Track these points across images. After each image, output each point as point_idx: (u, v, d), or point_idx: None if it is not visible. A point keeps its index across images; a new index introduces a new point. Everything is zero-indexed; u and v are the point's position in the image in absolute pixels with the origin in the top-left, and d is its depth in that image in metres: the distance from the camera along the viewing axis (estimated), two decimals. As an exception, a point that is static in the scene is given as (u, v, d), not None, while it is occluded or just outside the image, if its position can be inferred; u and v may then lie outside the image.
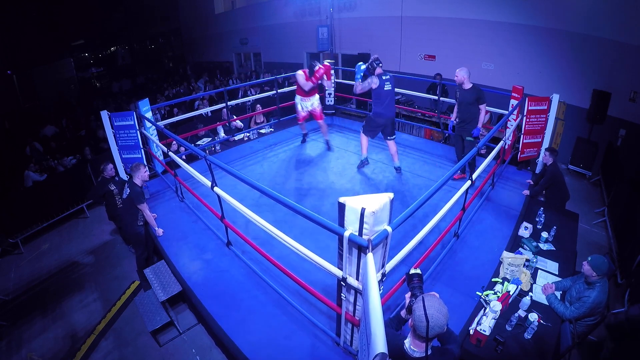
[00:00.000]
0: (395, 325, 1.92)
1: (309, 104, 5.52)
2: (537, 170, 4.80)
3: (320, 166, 5.29)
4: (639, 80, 5.47)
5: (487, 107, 5.76)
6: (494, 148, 4.09)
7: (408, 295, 1.82)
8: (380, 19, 9.16)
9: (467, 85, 4.36)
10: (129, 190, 3.69)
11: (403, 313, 1.89)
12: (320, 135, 6.11)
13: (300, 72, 5.30)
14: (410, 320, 1.63)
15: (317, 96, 5.58)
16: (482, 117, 4.42)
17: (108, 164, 4.43)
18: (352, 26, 9.95)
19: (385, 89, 4.43)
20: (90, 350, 3.52)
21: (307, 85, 5.27)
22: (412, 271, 1.88)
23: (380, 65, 4.42)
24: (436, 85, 6.19)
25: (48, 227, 5.78)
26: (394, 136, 4.82)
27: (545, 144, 4.70)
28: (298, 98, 5.54)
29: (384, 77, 4.40)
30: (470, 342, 2.51)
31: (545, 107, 4.60)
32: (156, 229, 3.89)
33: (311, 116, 5.64)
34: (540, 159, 4.62)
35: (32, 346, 3.71)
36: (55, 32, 14.86)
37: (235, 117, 6.66)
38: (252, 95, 8.98)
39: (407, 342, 1.67)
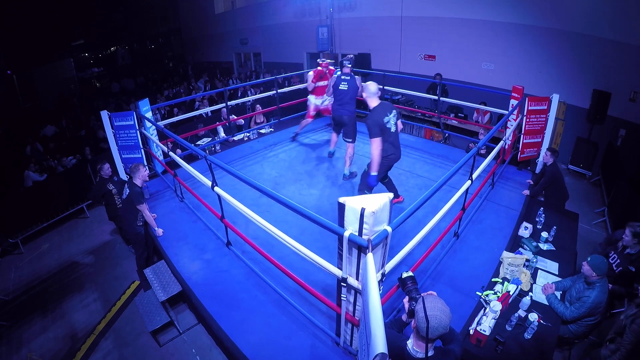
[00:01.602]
0: (397, 328, 1.91)
1: (319, 102, 5.66)
2: (537, 170, 4.80)
3: (320, 166, 5.29)
4: (639, 80, 5.47)
5: (487, 108, 5.84)
6: (494, 148, 4.09)
7: (406, 300, 1.79)
8: (380, 19, 9.15)
9: (372, 104, 3.51)
10: (128, 191, 3.69)
11: (404, 317, 1.87)
12: (318, 134, 6.12)
13: (311, 73, 5.51)
14: (413, 322, 1.62)
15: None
16: (375, 158, 3.38)
17: (105, 164, 4.42)
18: (352, 26, 9.95)
19: (339, 88, 4.53)
20: (90, 350, 3.52)
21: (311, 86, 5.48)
22: (404, 275, 1.84)
23: (349, 65, 4.52)
24: (436, 85, 6.19)
25: (48, 227, 5.78)
26: (349, 139, 4.63)
27: (545, 144, 4.70)
28: (312, 97, 5.64)
29: (342, 77, 4.52)
30: (470, 342, 2.51)
31: (545, 107, 4.60)
32: (156, 229, 3.89)
33: (318, 113, 5.84)
34: (541, 158, 4.62)
35: (32, 346, 3.71)
36: (56, 32, 14.84)
37: (235, 117, 6.66)
38: (252, 95, 8.98)
39: (410, 343, 1.66)
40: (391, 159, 3.69)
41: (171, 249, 3.72)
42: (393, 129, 3.57)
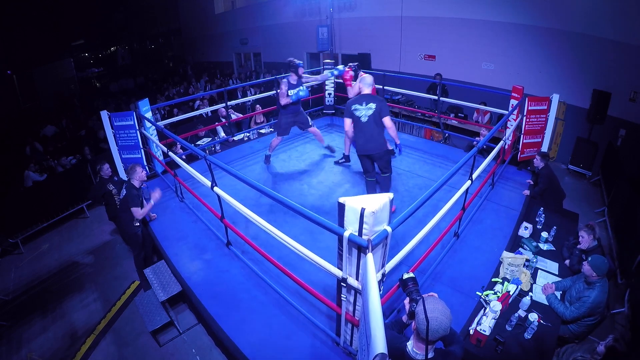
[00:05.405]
0: (397, 329, 1.90)
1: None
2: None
3: (321, 166, 5.29)
4: (639, 80, 5.47)
5: (487, 108, 5.84)
6: (493, 148, 4.09)
7: (407, 301, 1.78)
8: (380, 19, 9.15)
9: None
10: (125, 192, 3.68)
11: (404, 318, 1.86)
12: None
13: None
14: (413, 323, 1.62)
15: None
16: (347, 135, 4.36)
17: (104, 164, 4.40)
18: (352, 26, 9.95)
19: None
20: (90, 350, 3.52)
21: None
22: (406, 276, 1.83)
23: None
24: (436, 85, 6.19)
25: (48, 227, 5.77)
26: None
27: (546, 144, 4.70)
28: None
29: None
30: (470, 342, 2.51)
31: (545, 107, 4.60)
32: (151, 215, 4.02)
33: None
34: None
35: (32, 346, 3.70)
36: (55, 32, 14.85)
37: (234, 113, 6.67)
38: (252, 95, 8.98)
39: (410, 345, 1.66)
40: (359, 149, 3.81)
41: (171, 249, 3.72)
42: (364, 120, 3.69)
